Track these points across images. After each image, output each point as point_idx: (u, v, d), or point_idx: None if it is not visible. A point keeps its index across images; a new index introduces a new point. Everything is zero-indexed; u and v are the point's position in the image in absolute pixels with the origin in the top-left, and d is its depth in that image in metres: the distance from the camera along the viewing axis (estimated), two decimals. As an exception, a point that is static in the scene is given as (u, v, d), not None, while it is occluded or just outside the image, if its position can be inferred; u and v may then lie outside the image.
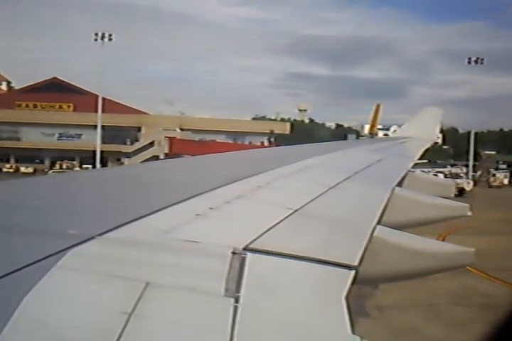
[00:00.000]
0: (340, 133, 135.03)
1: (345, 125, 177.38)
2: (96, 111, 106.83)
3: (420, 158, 12.16)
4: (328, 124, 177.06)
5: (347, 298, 2.64)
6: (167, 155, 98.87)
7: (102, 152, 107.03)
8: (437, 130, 17.16)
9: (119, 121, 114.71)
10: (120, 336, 1.95)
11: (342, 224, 4.27)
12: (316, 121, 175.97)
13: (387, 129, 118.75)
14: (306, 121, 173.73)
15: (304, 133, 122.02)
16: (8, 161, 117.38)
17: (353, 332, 2.32)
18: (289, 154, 9.69)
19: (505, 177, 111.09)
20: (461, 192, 65.42)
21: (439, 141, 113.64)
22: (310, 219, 4.11)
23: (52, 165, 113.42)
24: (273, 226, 3.49)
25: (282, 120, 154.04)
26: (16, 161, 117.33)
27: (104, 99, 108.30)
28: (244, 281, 2.55)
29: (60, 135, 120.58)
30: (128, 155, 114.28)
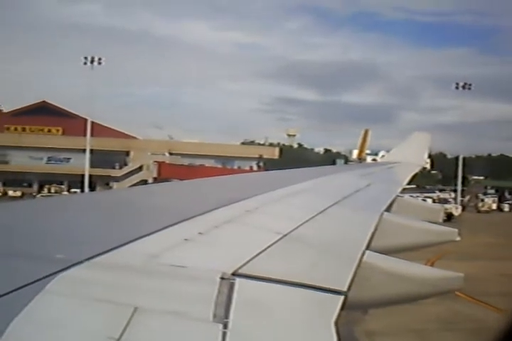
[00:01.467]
0: (329, 158, 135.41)
1: (334, 150, 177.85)
2: (85, 135, 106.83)
3: (409, 183, 12.19)
4: (316, 149, 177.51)
5: (336, 323, 2.63)
6: (156, 180, 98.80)
7: (90, 176, 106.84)
8: (425, 155, 17.24)
9: (108, 145, 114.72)
10: None
11: (331, 249, 4.27)
12: (305, 146, 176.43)
13: (376, 154, 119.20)
14: (295, 145, 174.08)
15: (292, 158, 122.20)
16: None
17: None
18: (278, 179, 9.70)
19: (494, 202, 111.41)
20: (449, 217, 65.65)
21: (428, 166, 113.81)
22: (299, 244, 4.10)
23: (40, 189, 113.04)
24: (262, 251, 3.48)
25: (271, 145, 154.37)
26: (4, 185, 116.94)
27: (93, 122, 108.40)
28: (233, 307, 2.55)
29: (49, 158, 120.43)
30: (117, 179, 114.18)
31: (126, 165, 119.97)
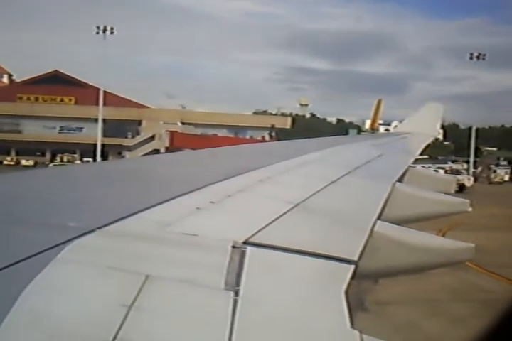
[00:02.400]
0: (342, 128, 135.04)
1: (347, 120, 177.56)
2: (97, 104, 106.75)
3: (421, 154, 12.14)
4: (329, 119, 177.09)
5: (346, 292, 2.64)
6: (168, 149, 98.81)
7: (103, 145, 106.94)
8: (438, 126, 17.11)
9: (120, 115, 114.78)
10: (120, 328, 1.96)
11: (342, 219, 4.27)
12: (318, 115, 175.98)
13: (388, 124, 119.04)
14: (308, 115, 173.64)
15: (305, 128, 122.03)
16: (8, 154, 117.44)
17: (352, 326, 2.33)
18: (290, 149, 9.67)
19: (506, 173, 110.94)
20: (461, 188, 65.45)
21: (440, 136, 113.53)
22: (310, 214, 4.11)
23: (53, 158, 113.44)
24: (273, 221, 3.49)
25: (283, 115, 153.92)
26: (17, 154, 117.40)
27: (105, 92, 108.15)
28: (244, 275, 2.56)
29: (61, 128, 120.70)
30: (129, 148, 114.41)
31: (138, 134, 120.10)
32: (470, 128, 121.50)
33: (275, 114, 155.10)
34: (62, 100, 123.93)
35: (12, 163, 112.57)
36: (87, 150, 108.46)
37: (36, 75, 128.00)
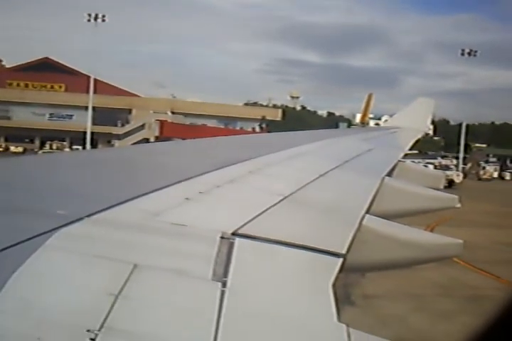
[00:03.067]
0: (332, 122, 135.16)
1: (337, 113, 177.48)
2: (87, 92, 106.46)
3: (411, 149, 12.17)
4: (319, 112, 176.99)
5: (334, 285, 2.64)
6: (157, 139, 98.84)
7: (92, 133, 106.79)
8: (429, 121, 17.14)
9: (110, 103, 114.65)
10: (106, 317, 1.95)
11: (331, 212, 4.27)
12: (308, 108, 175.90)
13: (379, 119, 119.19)
14: (298, 108, 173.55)
15: (295, 120, 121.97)
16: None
17: (339, 319, 2.33)
18: (281, 141, 9.69)
19: (495, 170, 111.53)
20: (450, 184, 65.70)
21: (430, 132, 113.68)
22: (299, 206, 4.11)
23: (42, 145, 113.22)
24: (262, 212, 3.49)
25: (274, 106, 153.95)
26: (6, 140, 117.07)
27: (95, 80, 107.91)
28: (232, 266, 2.56)
29: (51, 115, 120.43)
30: (118, 137, 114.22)
31: (128, 123, 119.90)
32: (460, 125, 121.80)
33: (266, 106, 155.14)
34: (52, 87, 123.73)
35: (1, 149, 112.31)
36: (77, 138, 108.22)
37: (26, 62, 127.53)
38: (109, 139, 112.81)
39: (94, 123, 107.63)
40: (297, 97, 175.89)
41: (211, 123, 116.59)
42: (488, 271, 26.24)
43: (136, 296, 2.15)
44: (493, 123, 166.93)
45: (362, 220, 3.97)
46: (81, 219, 2.73)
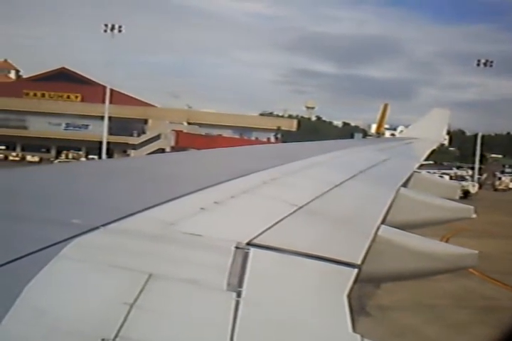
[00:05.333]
0: (347, 132, 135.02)
1: (352, 124, 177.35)
2: (103, 102, 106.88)
3: (426, 159, 12.14)
4: (335, 122, 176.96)
5: (349, 296, 2.64)
6: (173, 149, 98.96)
7: (108, 143, 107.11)
8: (444, 131, 17.14)
9: (126, 113, 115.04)
10: (121, 326, 1.95)
11: (346, 223, 4.27)
12: (323, 118, 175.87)
13: (394, 129, 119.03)
14: (313, 118, 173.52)
15: (310, 131, 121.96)
16: (14, 149, 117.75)
17: (354, 330, 2.32)
18: (296, 151, 9.68)
19: (511, 180, 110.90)
20: (466, 195, 65.38)
21: (446, 142, 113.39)
22: (314, 217, 4.11)
23: (58, 155, 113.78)
24: (277, 222, 3.48)
25: (290, 117, 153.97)
26: (22, 150, 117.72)
27: (111, 90, 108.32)
28: (246, 276, 2.55)
29: (67, 125, 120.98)
30: (134, 147, 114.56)
31: (144, 133, 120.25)
32: (476, 135, 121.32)
33: (281, 116, 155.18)
34: (68, 97, 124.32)
35: (17, 158, 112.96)
36: (93, 148, 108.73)
37: (43, 72, 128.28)
38: (124, 149, 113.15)
39: (110, 133, 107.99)
40: (312, 108, 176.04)
41: (226, 133, 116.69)
42: (504, 282, 26.09)
43: (151, 306, 2.15)
44: (508, 133, 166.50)
45: (377, 231, 3.97)
46: (96, 228, 2.74)
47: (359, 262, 3.09)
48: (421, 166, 10.27)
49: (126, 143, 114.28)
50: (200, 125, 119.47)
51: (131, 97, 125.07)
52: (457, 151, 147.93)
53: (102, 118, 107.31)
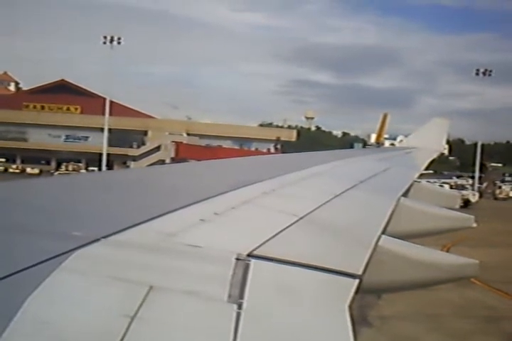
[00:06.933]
0: (347, 142, 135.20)
1: (352, 133, 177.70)
2: (103, 113, 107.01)
3: (426, 169, 12.15)
4: (334, 132, 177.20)
5: (350, 306, 2.64)
6: (173, 160, 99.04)
7: (108, 155, 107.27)
8: (444, 141, 17.14)
9: (126, 125, 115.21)
10: (122, 338, 1.95)
11: (347, 233, 4.27)
12: (323, 128, 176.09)
13: (394, 139, 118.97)
14: (313, 128, 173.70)
15: (310, 141, 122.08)
16: (14, 162, 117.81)
17: (356, 341, 2.32)
18: (296, 161, 9.68)
19: (511, 189, 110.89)
20: (466, 204, 65.29)
21: (446, 152, 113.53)
22: (315, 227, 4.10)
23: (58, 167, 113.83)
24: (278, 233, 3.48)
25: (289, 127, 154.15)
26: (22, 162, 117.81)
27: (111, 102, 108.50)
28: (247, 288, 2.55)
29: (67, 137, 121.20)
30: (134, 158, 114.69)
31: (144, 144, 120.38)
32: (475, 144, 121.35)
33: (281, 127, 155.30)
34: (68, 109, 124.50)
35: (17, 170, 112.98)
36: (93, 160, 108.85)
37: (43, 84, 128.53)
38: (124, 161, 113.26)
39: (110, 144, 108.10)
40: (312, 118, 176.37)
41: (226, 144, 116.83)
42: (506, 291, 26.05)
43: (152, 318, 2.15)
44: (508, 142, 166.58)
45: (378, 241, 3.96)
46: (97, 240, 2.74)
47: (360, 272, 3.08)
48: (421, 176, 10.27)
49: (126, 155, 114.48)
50: (200, 136, 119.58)
51: (131, 109, 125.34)
52: (457, 160, 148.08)
53: (101, 129, 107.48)
